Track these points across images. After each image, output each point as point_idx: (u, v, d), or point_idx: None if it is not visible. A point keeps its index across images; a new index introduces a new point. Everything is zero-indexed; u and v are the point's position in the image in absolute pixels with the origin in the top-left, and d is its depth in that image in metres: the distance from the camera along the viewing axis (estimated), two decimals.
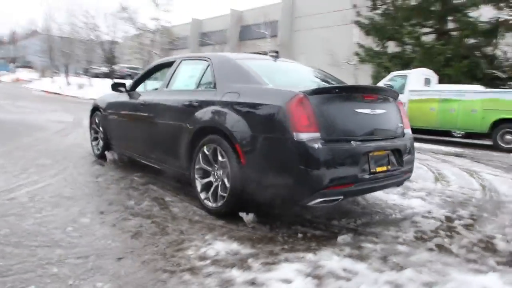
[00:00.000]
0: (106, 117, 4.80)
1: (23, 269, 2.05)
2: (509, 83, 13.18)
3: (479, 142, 10.00)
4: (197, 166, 3.20)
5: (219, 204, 2.97)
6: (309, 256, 2.40)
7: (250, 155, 2.71)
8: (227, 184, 2.88)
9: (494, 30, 13.11)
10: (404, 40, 15.78)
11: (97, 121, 5.13)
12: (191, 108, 3.32)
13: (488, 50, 14.36)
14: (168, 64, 4.13)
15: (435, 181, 4.83)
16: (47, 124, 8.87)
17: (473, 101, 8.83)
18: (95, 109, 5.22)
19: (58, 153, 5.42)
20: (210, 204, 3.07)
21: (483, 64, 13.66)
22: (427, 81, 10.27)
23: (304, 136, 2.51)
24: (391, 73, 11.18)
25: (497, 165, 6.34)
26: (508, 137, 8.43)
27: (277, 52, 3.72)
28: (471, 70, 13.40)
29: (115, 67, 25.81)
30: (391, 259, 2.42)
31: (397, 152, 3.07)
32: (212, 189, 3.07)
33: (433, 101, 9.63)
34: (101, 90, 24.82)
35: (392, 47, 16.63)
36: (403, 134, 3.26)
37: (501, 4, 13.27)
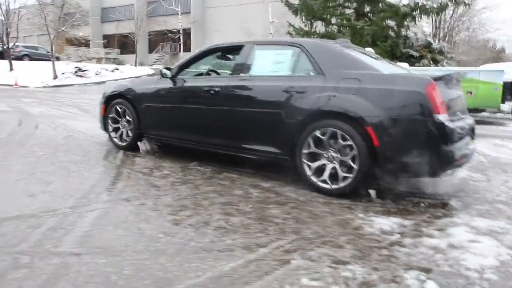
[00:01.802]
0: (141, 105, 4.46)
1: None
2: (422, 61, 15.27)
3: None
4: (305, 151, 3.32)
5: (342, 184, 3.17)
6: (456, 220, 2.81)
7: (385, 137, 2.97)
8: (354, 165, 3.09)
9: (411, 13, 14.94)
10: (330, 20, 16.95)
11: (119, 110, 4.73)
12: (291, 94, 3.39)
13: (402, 31, 16.34)
14: (229, 50, 4.04)
15: None
16: None
17: None
18: (113, 97, 4.80)
19: (68, 147, 4.86)
20: (327, 186, 3.24)
21: (401, 44, 15.53)
22: None
23: (442, 117, 2.87)
24: None
25: None
26: None
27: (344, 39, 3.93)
28: (392, 49, 15.15)
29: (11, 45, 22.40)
30: None
31: (472, 128, 3.63)
32: (328, 171, 3.24)
33: None
34: None
35: (318, 26, 17.72)
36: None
37: None
